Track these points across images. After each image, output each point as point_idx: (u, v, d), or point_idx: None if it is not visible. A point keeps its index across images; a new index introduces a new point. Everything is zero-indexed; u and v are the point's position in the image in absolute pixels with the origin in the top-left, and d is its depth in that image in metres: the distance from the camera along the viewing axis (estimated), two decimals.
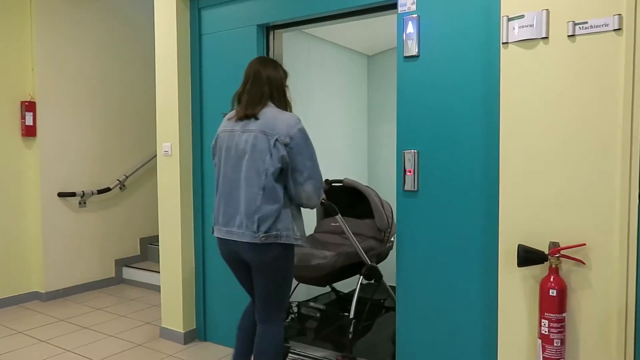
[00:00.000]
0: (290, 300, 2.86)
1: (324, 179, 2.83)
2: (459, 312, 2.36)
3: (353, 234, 2.86)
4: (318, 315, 2.86)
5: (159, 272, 3.45)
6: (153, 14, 3.31)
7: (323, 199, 2.61)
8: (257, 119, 2.15)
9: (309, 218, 3.34)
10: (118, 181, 4.78)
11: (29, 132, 4.17)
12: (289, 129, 2.13)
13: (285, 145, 2.11)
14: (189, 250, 3.33)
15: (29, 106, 4.15)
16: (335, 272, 2.87)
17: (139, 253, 5.07)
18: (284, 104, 2.26)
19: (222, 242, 2.24)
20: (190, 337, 3.34)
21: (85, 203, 4.55)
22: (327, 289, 3.43)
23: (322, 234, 3.31)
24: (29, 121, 4.15)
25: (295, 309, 2.95)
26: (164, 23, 3.24)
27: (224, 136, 2.26)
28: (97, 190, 4.60)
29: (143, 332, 3.53)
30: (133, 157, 4.95)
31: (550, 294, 1.94)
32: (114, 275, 4.82)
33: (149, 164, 4.96)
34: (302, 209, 2.30)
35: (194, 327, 3.38)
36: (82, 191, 4.49)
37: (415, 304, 2.48)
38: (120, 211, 4.89)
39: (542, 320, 1.96)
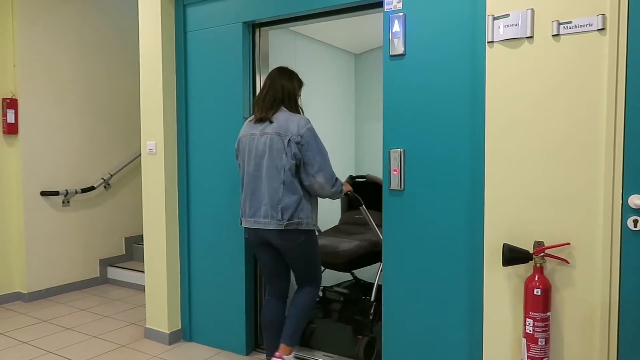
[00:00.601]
0: None
1: (348, 175, 3.56)
2: (445, 311, 2.36)
3: (375, 224, 3.03)
4: (342, 299, 3.16)
5: (144, 272, 3.41)
6: (138, 10, 3.26)
7: (349, 191, 2.84)
8: (271, 122, 2.50)
9: (334, 209, 3.76)
10: (103, 180, 4.71)
11: (11, 129, 4.10)
12: (299, 129, 2.46)
13: (297, 143, 2.44)
14: (174, 250, 3.29)
15: (11, 103, 4.08)
16: (359, 258, 3.12)
17: (124, 252, 5.01)
18: (295, 109, 2.60)
19: (250, 230, 2.59)
20: (175, 337, 3.30)
21: (69, 202, 4.49)
22: (349, 277, 3.71)
23: (346, 225, 3.58)
24: (10, 119, 4.08)
25: (320, 293, 3.22)
26: (149, 20, 3.19)
27: (245, 140, 2.58)
28: (81, 189, 4.54)
29: (127, 332, 3.49)
30: (118, 155, 4.89)
31: (535, 293, 1.94)
32: (98, 275, 4.76)
33: (135, 162, 4.91)
34: (318, 200, 2.64)
35: (179, 327, 3.34)
36: (66, 190, 4.42)
37: (401, 303, 2.47)
38: (105, 210, 4.83)
39: (527, 319, 1.97)
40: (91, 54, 4.66)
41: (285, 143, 2.43)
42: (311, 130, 2.48)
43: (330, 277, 3.69)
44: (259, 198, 2.51)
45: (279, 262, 2.64)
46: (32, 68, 4.20)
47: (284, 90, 2.56)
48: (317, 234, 3.20)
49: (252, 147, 2.53)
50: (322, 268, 3.21)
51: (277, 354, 2.60)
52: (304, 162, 2.46)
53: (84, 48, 4.59)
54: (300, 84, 2.67)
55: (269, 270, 2.66)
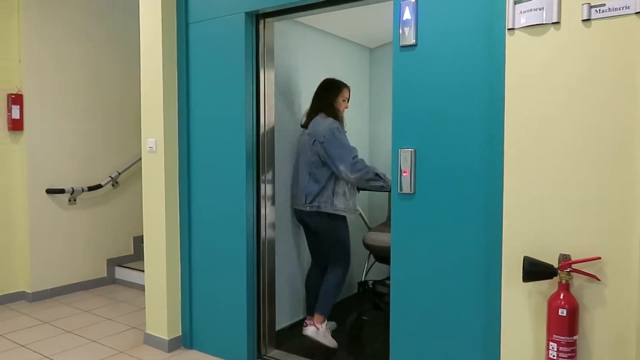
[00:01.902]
0: (367, 279, 3.49)
1: None
2: (458, 331, 2.14)
3: None
4: None
5: None
6: None
7: None
8: (307, 128, 3.14)
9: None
10: (110, 178, 4.61)
11: (16, 126, 4.01)
12: (324, 131, 2.99)
13: (321, 143, 2.97)
14: (174, 252, 3.14)
15: (16, 99, 3.99)
16: None
17: (132, 252, 4.90)
18: (333, 114, 3.10)
19: (295, 211, 3.28)
20: (175, 344, 3.15)
21: (75, 200, 4.40)
22: None
23: None
24: (15, 115, 3.99)
25: (371, 286, 3.47)
26: (149, 11, 3.05)
27: (299, 139, 3.25)
28: (88, 187, 4.44)
29: (127, 337, 3.36)
30: (126, 152, 4.78)
31: (560, 313, 1.71)
32: (105, 275, 4.66)
33: None
34: (351, 190, 3.15)
35: (180, 333, 3.19)
36: (72, 188, 4.32)
37: (409, 320, 2.26)
38: (113, 209, 4.72)
39: (550, 342, 1.73)
40: (100, 48, 4.55)
41: (312, 142, 3.02)
42: (333, 130, 2.97)
43: (381, 271, 3.77)
44: (296, 185, 3.19)
45: (316, 240, 3.24)
46: (38, 63, 4.11)
47: (321, 100, 3.14)
48: (369, 228, 3.75)
49: (298, 146, 3.23)
50: (372, 261, 3.55)
51: (309, 321, 3.12)
52: (328, 155, 2.95)
53: (93, 42, 4.49)
54: (339, 89, 3.17)
55: (311, 244, 3.33)
